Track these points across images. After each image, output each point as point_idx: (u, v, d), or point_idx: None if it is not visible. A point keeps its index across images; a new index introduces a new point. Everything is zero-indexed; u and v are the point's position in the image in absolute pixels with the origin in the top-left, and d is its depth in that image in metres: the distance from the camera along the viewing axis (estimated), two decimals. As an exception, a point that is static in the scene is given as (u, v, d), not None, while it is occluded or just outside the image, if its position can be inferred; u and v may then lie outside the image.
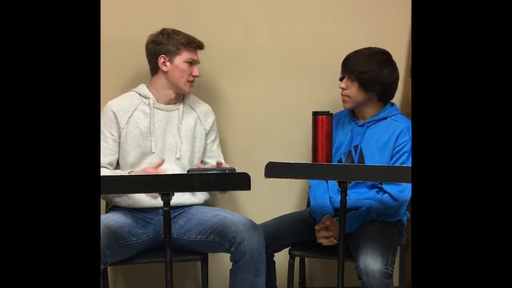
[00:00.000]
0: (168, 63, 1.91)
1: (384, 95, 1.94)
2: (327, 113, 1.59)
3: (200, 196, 1.99)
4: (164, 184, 1.40)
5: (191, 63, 1.93)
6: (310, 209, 2.00)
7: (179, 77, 1.92)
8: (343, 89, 1.93)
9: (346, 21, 2.29)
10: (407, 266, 2.00)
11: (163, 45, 1.90)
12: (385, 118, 1.94)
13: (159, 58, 1.91)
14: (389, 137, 1.90)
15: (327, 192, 1.99)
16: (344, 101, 1.95)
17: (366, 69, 1.87)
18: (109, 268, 1.86)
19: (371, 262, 1.64)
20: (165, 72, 1.92)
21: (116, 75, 2.16)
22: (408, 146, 1.87)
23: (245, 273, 1.75)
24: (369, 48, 1.93)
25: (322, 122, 1.56)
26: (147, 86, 1.97)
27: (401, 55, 2.31)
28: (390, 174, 1.46)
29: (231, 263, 1.80)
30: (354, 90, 1.90)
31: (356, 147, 1.94)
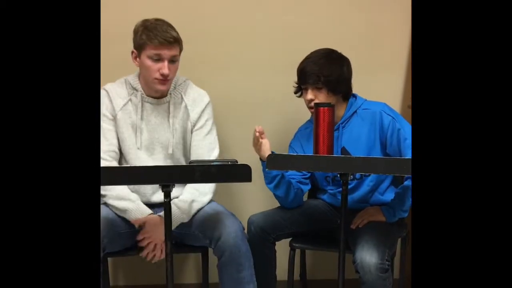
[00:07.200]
0: (138, 59, 1.79)
1: (348, 92, 1.88)
2: (328, 105, 1.57)
3: None
4: (165, 176, 1.39)
5: (157, 59, 1.75)
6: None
7: (147, 75, 1.78)
8: (310, 100, 1.81)
9: (341, 14, 2.29)
10: (408, 258, 2.00)
11: (134, 38, 1.78)
12: (355, 112, 1.87)
13: (131, 52, 1.81)
14: (369, 127, 1.84)
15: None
16: None
17: (331, 72, 1.78)
18: (109, 260, 1.86)
19: (367, 256, 1.64)
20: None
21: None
22: (398, 124, 1.80)
23: (228, 269, 1.73)
24: (317, 51, 1.84)
25: (323, 113, 1.55)
26: (138, 76, 1.87)
27: (401, 48, 2.31)
28: (391, 166, 1.45)
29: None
30: (323, 98, 1.79)
31: (341, 151, 1.88)
